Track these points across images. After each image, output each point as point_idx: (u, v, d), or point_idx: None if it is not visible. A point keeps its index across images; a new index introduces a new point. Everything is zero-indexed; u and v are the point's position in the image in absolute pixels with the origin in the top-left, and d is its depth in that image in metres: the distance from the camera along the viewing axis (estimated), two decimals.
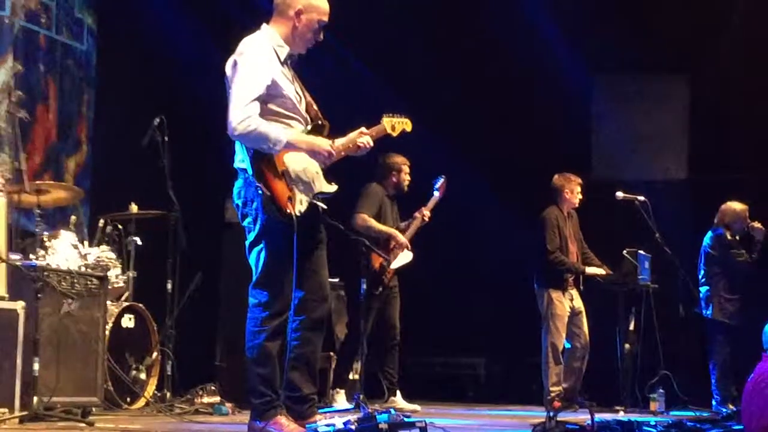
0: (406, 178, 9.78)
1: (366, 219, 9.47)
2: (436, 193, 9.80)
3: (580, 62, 12.97)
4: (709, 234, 10.61)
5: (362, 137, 6.32)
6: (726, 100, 12.69)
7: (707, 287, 10.48)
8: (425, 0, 12.70)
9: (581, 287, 10.28)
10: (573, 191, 10.34)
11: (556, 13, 12.64)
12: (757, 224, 10.49)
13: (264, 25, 6.19)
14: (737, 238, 10.51)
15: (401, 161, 9.74)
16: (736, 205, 10.60)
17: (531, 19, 12.62)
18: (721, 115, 12.82)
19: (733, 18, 12.41)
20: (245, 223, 6.08)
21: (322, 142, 6.10)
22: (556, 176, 10.42)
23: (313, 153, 6.06)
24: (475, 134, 12.84)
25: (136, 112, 9.82)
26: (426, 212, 9.74)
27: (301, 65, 6.34)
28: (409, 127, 6.67)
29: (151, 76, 10.68)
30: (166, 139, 8.74)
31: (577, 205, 10.42)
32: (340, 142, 6.30)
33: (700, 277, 10.58)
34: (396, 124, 6.61)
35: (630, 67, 13.15)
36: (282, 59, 6.11)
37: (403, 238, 9.46)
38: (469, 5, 12.67)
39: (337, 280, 9.52)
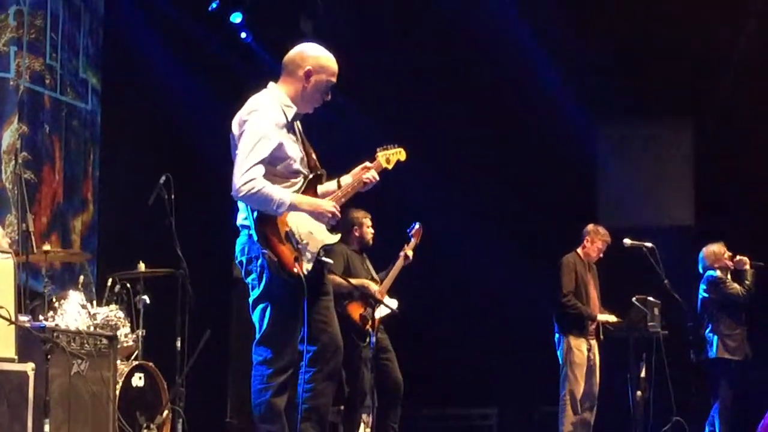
0: (368, 232, 9.62)
1: (332, 278, 9.27)
2: (412, 240, 9.68)
3: (584, 109, 13.02)
4: (702, 283, 10.63)
5: (367, 172, 6.33)
6: (731, 143, 12.72)
7: (709, 328, 10.47)
8: (431, 45, 12.73)
9: (601, 337, 10.27)
10: (594, 243, 10.40)
11: (557, 61, 12.70)
12: (738, 257, 10.50)
13: (271, 84, 6.17)
14: (727, 275, 10.52)
15: (361, 215, 9.58)
16: (713, 246, 10.64)
17: (534, 68, 12.67)
18: (727, 160, 12.83)
19: (735, 60, 12.44)
20: (248, 280, 6.06)
21: (326, 204, 6.07)
22: (590, 224, 10.56)
23: (317, 215, 6.04)
24: (483, 185, 12.87)
25: (141, 171, 9.84)
26: (408, 251, 9.58)
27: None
28: (403, 156, 6.66)
29: (156, 134, 10.73)
30: (173, 196, 8.74)
31: (594, 260, 10.43)
32: (346, 181, 6.31)
33: (702, 323, 10.56)
34: (390, 156, 6.60)
35: (633, 114, 13.20)
36: (289, 119, 6.09)
37: (374, 287, 9.28)
38: (473, 53, 12.70)
39: None
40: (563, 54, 12.61)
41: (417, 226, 9.63)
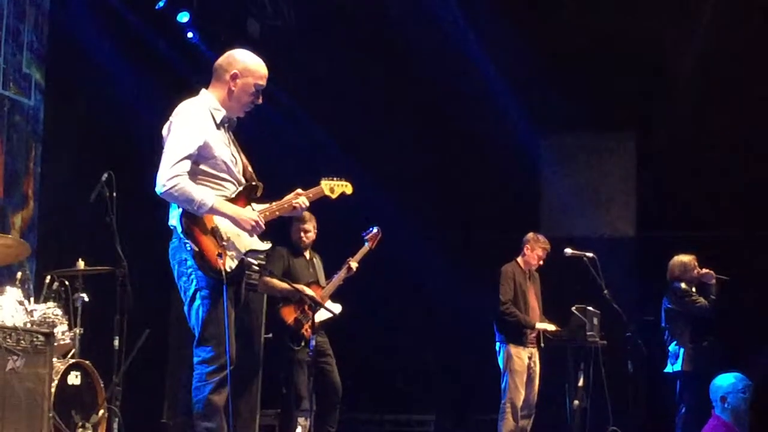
0: (302, 235, 9.59)
1: (265, 281, 9.26)
2: (366, 244, 9.67)
3: (528, 120, 13.08)
4: (666, 294, 10.66)
5: (298, 198, 6.46)
6: (673, 156, 12.84)
7: (674, 342, 10.50)
8: (377, 52, 12.75)
9: (542, 345, 10.31)
10: (533, 251, 10.45)
11: (503, 72, 12.75)
12: (705, 270, 10.56)
13: (203, 90, 6.27)
14: (693, 288, 10.56)
15: (305, 216, 9.53)
16: (683, 257, 10.67)
17: (479, 79, 12.71)
18: (669, 172, 12.97)
19: (680, 74, 12.56)
20: (180, 283, 6.11)
21: (249, 214, 6.12)
22: (530, 233, 10.60)
23: (237, 223, 6.07)
24: (426, 194, 12.90)
25: (83, 168, 9.77)
26: (353, 263, 9.56)
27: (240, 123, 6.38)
28: (349, 190, 6.94)
29: (99, 131, 10.65)
30: (114, 194, 8.69)
31: (534, 267, 10.48)
32: (275, 203, 6.40)
33: (665, 337, 10.60)
34: (335, 186, 6.88)
35: (577, 125, 13.27)
36: (218, 122, 6.17)
37: (309, 292, 9.23)
38: (418, 62, 12.72)
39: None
40: (508, 65, 12.66)
41: (375, 230, 9.63)
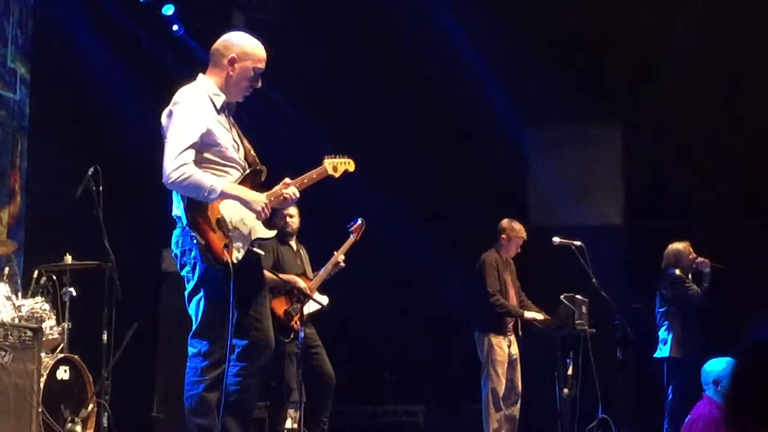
0: (287, 220, 9.57)
1: None
2: (352, 236, 9.66)
3: (515, 110, 13.08)
4: (661, 279, 10.69)
5: (287, 188, 6.24)
6: (659, 146, 12.88)
7: (664, 326, 10.52)
8: (365, 43, 12.73)
9: (520, 333, 10.30)
10: (510, 240, 10.39)
11: (489, 62, 12.74)
12: (701, 258, 10.59)
13: (200, 75, 6.17)
14: (688, 275, 10.59)
15: None
16: (678, 245, 10.71)
17: (466, 68, 12.71)
18: (655, 161, 13.00)
19: (665, 62, 12.57)
20: (184, 273, 6.03)
21: (259, 197, 6.03)
22: (504, 220, 10.49)
23: (248, 205, 6.00)
24: (412, 182, 12.90)
25: (70, 162, 9.74)
26: (339, 256, 9.57)
27: (238, 110, 6.33)
28: (351, 167, 6.68)
29: (85, 125, 10.63)
30: (101, 188, 8.67)
31: (512, 255, 10.46)
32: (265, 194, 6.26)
33: (657, 321, 10.62)
34: (338, 164, 6.61)
35: (563, 114, 13.28)
36: (218, 107, 6.08)
37: (301, 283, 9.24)
38: (405, 51, 12.70)
39: None
40: (494, 55, 12.66)
41: (359, 221, 9.60)
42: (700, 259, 10.60)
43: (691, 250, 10.63)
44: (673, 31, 12.45)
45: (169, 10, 11.48)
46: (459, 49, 12.63)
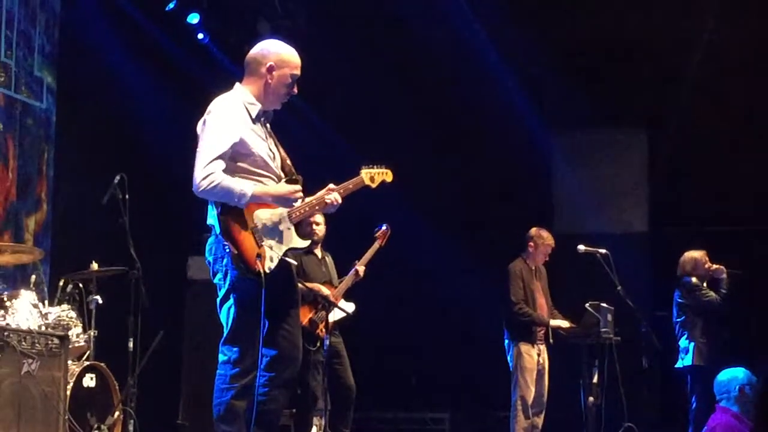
0: (315, 229, 9.54)
1: None
2: (377, 242, 9.65)
3: (541, 117, 13.07)
4: (677, 288, 10.64)
5: (330, 194, 6.24)
6: (685, 152, 12.83)
7: (684, 336, 10.48)
8: (389, 52, 12.74)
9: (551, 341, 10.28)
10: (537, 248, 10.39)
11: (514, 69, 12.74)
12: (716, 266, 10.54)
13: (237, 84, 6.17)
14: (704, 283, 10.54)
15: None
16: (694, 253, 10.65)
17: (491, 76, 12.70)
18: (680, 168, 12.97)
19: (691, 69, 12.53)
20: (216, 280, 6.02)
21: (288, 187, 6.04)
22: (533, 228, 10.51)
23: (282, 200, 6.01)
24: (439, 192, 12.92)
25: (96, 170, 9.78)
26: (360, 267, 9.57)
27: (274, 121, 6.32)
28: (389, 178, 6.64)
29: (111, 133, 10.68)
30: (127, 196, 8.71)
31: (540, 263, 10.45)
32: (308, 200, 6.22)
33: (676, 332, 10.57)
34: (375, 175, 6.56)
35: (589, 121, 13.26)
36: (253, 117, 6.07)
37: (325, 291, 9.24)
38: (431, 60, 12.71)
39: None
40: (520, 62, 12.66)
41: (384, 227, 9.61)
42: (715, 267, 10.55)
43: (707, 259, 10.58)
44: (700, 35, 12.40)
45: (194, 18, 11.49)
46: (485, 58, 12.63)
